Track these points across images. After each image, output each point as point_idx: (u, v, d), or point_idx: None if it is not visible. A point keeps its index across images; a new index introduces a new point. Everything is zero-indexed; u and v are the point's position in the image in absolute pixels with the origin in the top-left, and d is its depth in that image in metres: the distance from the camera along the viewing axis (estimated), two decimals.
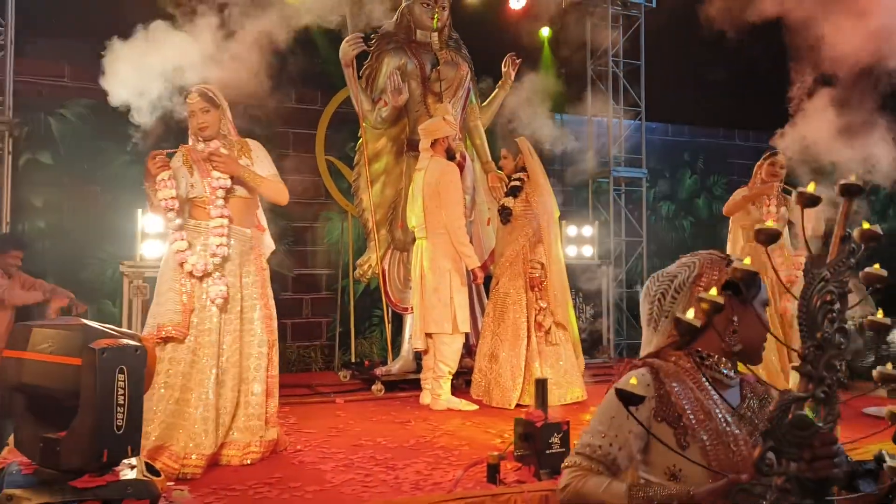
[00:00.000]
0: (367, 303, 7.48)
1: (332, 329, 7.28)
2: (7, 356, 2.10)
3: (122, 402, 2.01)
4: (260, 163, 3.68)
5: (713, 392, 1.58)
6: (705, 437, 1.54)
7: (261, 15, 7.20)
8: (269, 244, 3.92)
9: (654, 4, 8.39)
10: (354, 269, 6.10)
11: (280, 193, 3.71)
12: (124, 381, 2.02)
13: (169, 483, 2.85)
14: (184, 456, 3.21)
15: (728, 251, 5.26)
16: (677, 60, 9.98)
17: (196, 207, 3.58)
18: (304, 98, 7.65)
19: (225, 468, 3.43)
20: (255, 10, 7.10)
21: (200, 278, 3.45)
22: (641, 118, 8.58)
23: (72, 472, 2.02)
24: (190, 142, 3.71)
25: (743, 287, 1.62)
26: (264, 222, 3.93)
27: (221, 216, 3.52)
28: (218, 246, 3.47)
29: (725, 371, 1.65)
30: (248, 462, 3.47)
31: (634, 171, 8.54)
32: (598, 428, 1.60)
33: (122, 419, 2.01)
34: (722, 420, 1.57)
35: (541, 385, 3.52)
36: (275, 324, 3.74)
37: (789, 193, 5.26)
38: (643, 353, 1.68)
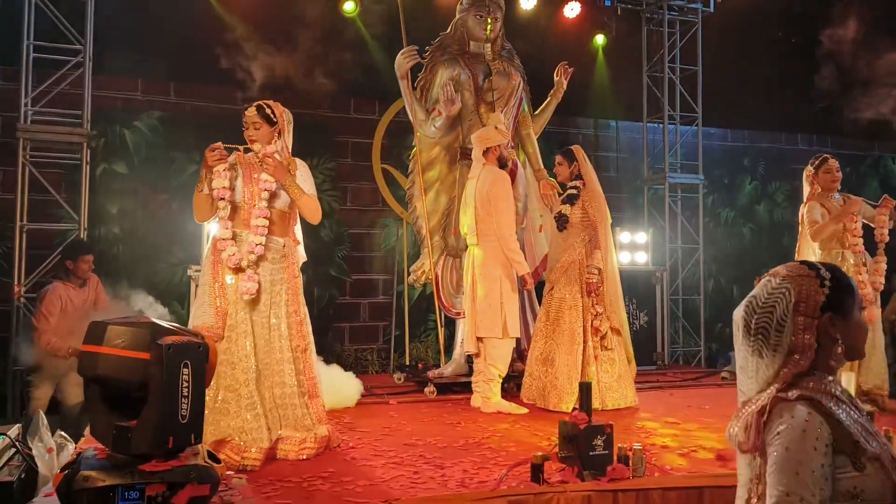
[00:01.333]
0: (421, 307, 7.65)
1: (389, 333, 7.47)
2: (84, 350, 2.32)
3: (186, 393, 2.20)
4: (303, 180, 3.85)
5: (853, 410, 1.58)
6: (879, 453, 1.54)
7: (320, 28, 7.48)
8: (301, 255, 4.08)
9: (711, 9, 8.34)
10: (409, 274, 6.26)
11: (315, 211, 3.87)
12: (188, 374, 2.20)
13: (228, 472, 3.04)
14: (244, 448, 3.41)
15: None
16: (735, 65, 9.86)
17: (234, 212, 3.75)
18: (361, 108, 7.88)
19: (282, 462, 3.61)
20: (314, 25, 7.39)
21: (234, 271, 3.63)
22: (698, 123, 8.52)
23: (141, 457, 2.22)
24: (258, 147, 3.86)
25: (845, 302, 1.65)
26: (300, 237, 4.10)
27: (263, 216, 3.68)
28: (256, 245, 3.64)
29: (840, 389, 1.65)
30: (304, 457, 3.64)
31: (691, 177, 8.48)
32: (796, 490, 1.47)
33: (187, 409, 2.20)
34: (876, 434, 1.59)
35: (585, 388, 3.59)
36: (308, 328, 3.88)
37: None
38: (756, 383, 1.62)
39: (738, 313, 1.64)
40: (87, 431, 4.26)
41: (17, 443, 3.15)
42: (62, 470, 2.26)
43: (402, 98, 6.08)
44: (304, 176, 3.88)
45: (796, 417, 1.50)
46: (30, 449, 3.25)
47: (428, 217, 5.88)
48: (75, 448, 3.48)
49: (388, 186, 7.67)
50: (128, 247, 7.06)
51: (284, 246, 3.83)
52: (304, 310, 3.88)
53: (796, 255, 5.56)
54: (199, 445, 2.36)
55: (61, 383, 5.01)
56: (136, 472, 2.17)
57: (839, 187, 5.36)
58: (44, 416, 3.41)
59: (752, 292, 1.66)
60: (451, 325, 6.37)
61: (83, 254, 5.36)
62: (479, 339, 5.18)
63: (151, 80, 7.40)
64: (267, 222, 3.70)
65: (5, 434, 3.21)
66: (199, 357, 2.25)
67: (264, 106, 3.84)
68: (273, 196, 3.73)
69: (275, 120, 3.82)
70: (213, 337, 3.40)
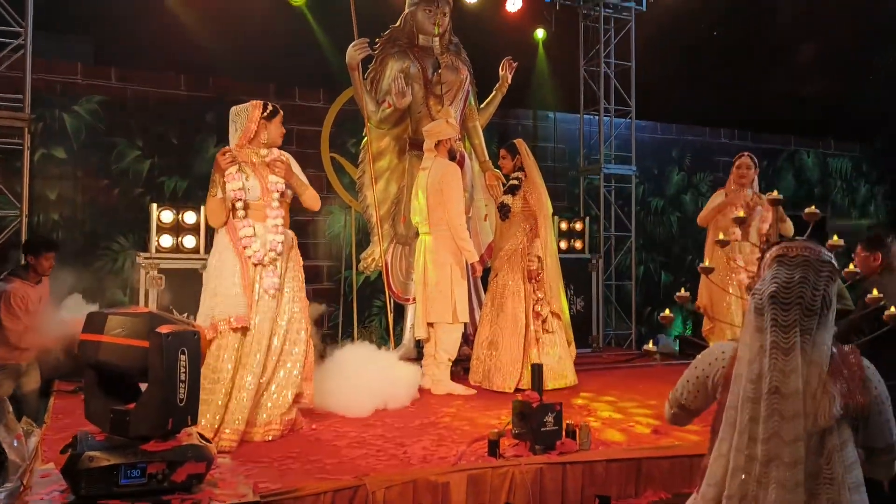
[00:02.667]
0: (365, 293, 7.81)
1: (335, 318, 7.60)
2: (84, 339, 2.42)
3: (183, 378, 2.34)
4: (299, 174, 4.13)
5: None
6: None
7: (265, 16, 7.49)
8: None
9: (643, 8, 8.71)
10: (358, 261, 6.40)
11: (316, 199, 4.17)
12: (185, 360, 2.34)
13: None
14: (218, 430, 3.55)
15: (706, 255, 5.63)
16: (666, 61, 10.32)
17: (250, 209, 3.91)
18: (306, 96, 7.94)
19: (248, 444, 3.75)
20: (259, 13, 7.40)
21: (256, 265, 3.81)
22: (631, 117, 8.92)
23: (139, 438, 2.34)
24: (232, 145, 4.01)
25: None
26: None
27: (279, 216, 3.91)
28: (279, 243, 3.87)
29: None
30: (269, 438, 3.80)
31: (624, 167, 8.88)
32: None
33: (184, 393, 2.34)
34: None
35: (537, 370, 3.85)
36: (308, 313, 4.11)
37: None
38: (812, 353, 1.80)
39: (787, 298, 1.79)
40: (47, 417, 4.30)
41: None
42: (62, 452, 2.36)
43: (351, 88, 6.19)
44: (298, 169, 4.12)
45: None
46: None
47: (378, 206, 6.04)
48: (41, 433, 3.54)
49: (336, 174, 7.77)
50: (67, 233, 6.97)
51: (292, 238, 4.07)
52: (305, 295, 4.12)
53: (706, 247, 5.90)
54: (193, 427, 2.49)
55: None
56: (137, 452, 2.30)
57: (747, 183, 5.72)
58: (9, 403, 3.44)
59: (783, 275, 1.82)
60: (397, 310, 6.55)
61: (47, 251, 5.16)
62: (430, 325, 5.40)
63: (92, 65, 7.28)
64: (282, 220, 3.93)
65: None
66: (194, 344, 2.39)
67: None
68: (282, 195, 3.96)
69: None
70: (244, 324, 3.61)
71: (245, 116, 3.99)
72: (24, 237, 6.02)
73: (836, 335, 1.83)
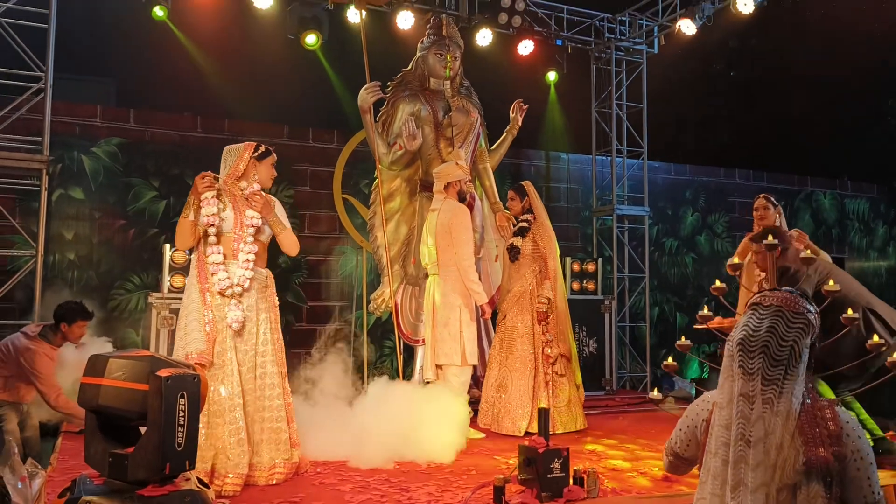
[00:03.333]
0: (376, 334, 7.79)
1: (345, 358, 7.57)
2: (85, 382, 2.42)
3: (182, 422, 2.33)
4: (282, 216, 4.09)
5: None
6: None
7: (281, 59, 7.65)
8: None
9: (655, 51, 8.78)
10: (368, 302, 6.40)
11: (295, 244, 4.10)
12: (185, 404, 2.33)
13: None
14: (224, 474, 3.52)
15: (740, 301, 5.63)
16: (678, 102, 10.38)
17: (223, 237, 3.88)
18: (320, 137, 8.04)
19: (252, 488, 3.71)
20: (275, 56, 7.56)
21: (219, 293, 3.76)
22: (644, 158, 8.93)
23: (137, 483, 2.33)
24: (243, 184, 4.02)
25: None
26: None
27: (251, 252, 3.86)
28: (246, 278, 3.81)
29: None
30: (274, 482, 3.76)
31: (637, 208, 8.86)
32: None
33: (182, 437, 2.33)
34: None
35: (543, 414, 3.80)
36: (284, 356, 4.03)
37: None
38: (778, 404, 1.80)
39: (753, 346, 1.79)
40: (53, 458, 4.29)
41: None
42: (60, 496, 2.35)
43: (363, 129, 6.27)
44: (281, 212, 4.10)
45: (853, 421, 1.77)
46: (1, 478, 3.28)
47: (388, 246, 6.06)
48: (46, 474, 3.52)
49: (348, 215, 7.83)
50: (82, 272, 7.04)
51: (266, 277, 4.01)
52: (281, 337, 4.03)
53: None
54: (192, 471, 2.48)
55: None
56: (134, 497, 2.29)
57: (768, 224, 5.68)
58: (16, 446, 3.44)
59: (753, 322, 1.82)
60: (407, 351, 6.52)
61: (83, 319, 5.10)
62: (439, 367, 5.36)
63: (111, 107, 7.44)
64: (254, 256, 3.88)
65: None
66: (194, 388, 2.39)
67: None
68: (258, 231, 3.92)
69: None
70: (203, 362, 3.52)
71: (235, 155, 4.02)
72: (39, 277, 6.08)
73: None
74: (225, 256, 3.84)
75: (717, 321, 5.34)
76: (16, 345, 4.90)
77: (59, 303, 5.24)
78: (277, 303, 4.07)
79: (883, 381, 2.99)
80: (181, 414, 2.33)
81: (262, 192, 4.00)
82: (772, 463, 1.71)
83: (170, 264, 6.06)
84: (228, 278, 3.78)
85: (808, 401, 1.77)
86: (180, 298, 5.98)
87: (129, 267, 7.18)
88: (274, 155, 4.11)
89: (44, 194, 6.25)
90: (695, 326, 7.37)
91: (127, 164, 7.25)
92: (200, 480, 2.56)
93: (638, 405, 7.03)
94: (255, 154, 4.00)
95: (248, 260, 3.85)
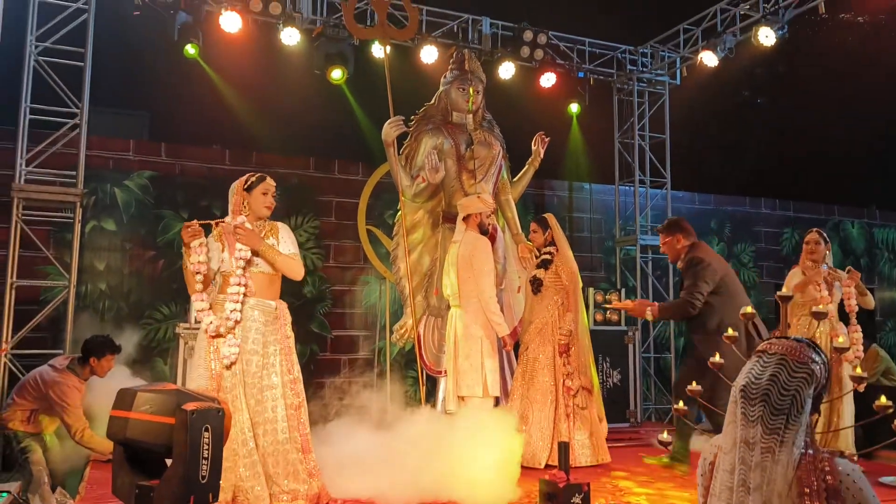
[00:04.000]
0: (400, 364, 7.83)
1: (368, 388, 7.62)
2: (114, 415, 2.50)
3: (206, 455, 2.39)
4: (284, 242, 4.07)
5: None
6: None
7: (307, 93, 7.82)
8: None
9: (678, 81, 8.83)
10: (392, 332, 6.45)
11: (293, 270, 4.05)
12: (209, 437, 2.40)
13: None
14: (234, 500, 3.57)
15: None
16: (701, 131, 10.39)
17: (225, 282, 3.95)
18: (345, 169, 8.18)
19: None
20: (301, 90, 7.73)
21: (214, 337, 3.82)
22: (667, 187, 8.94)
23: None
24: (228, 219, 4.08)
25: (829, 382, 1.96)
26: None
27: (238, 284, 3.86)
28: (231, 311, 3.82)
29: None
30: None
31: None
32: None
33: (207, 470, 2.38)
34: None
35: (563, 448, 3.81)
36: (300, 386, 4.05)
37: None
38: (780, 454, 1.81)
39: (755, 393, 1.81)
40: (81, 488, 4.37)
41: (19, 499, 3.27)
42: None
43: (387, 162, 6.37)
44: (284, 238, 4.08)
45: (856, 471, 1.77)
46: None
47: (411, 277, 6.13)
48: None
49: (371, 245, 7.92)
50: (112, 303, 7.20)
51: (276, 308, 4.02)
52: (298, 368, 4.06)
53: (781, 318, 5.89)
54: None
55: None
56: None
57: (819, 259, 5.65)
58: (46, 476, 3.53)
59: (757, 370, 1.84)
60: (430, 381, 6.55)
61: (112, 353, 5.21)
62: (461, 398, 5.38)
63: (143, 141, 7.65)
64: (242, 289, 3.86)
65: (8, 491, 3.33)
66: (218, 421, 2.45)
67: None
68: (250, 262, 3.91)
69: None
70: None
71: (235, 190, 4.11)
72: (71, 307, 6.24)
73: None
74: (213, 305, 3.88)
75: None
76: (45, 378, 5.00)
77: (87, 337, 5.34)
78: (291, 334, 4.08)
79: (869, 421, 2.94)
80: (205, 447, 2.39)
81: (266, 221, 4.05)
82: None
83: None
84: (215, 320, 3.81)
85: (811, 451, 1.78)
86: None
87: (158, 297, 7.33)
88: (266, 183, 4.07)
89: (77, 227, 6.43)
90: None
91: (158, 196, 7.43)
92: None
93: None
94: (245, 186, 4.05)
95: (235, 293, 3.84)
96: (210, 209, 7.60)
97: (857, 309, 5.58)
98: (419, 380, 6.06)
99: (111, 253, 7.26)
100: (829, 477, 1.74)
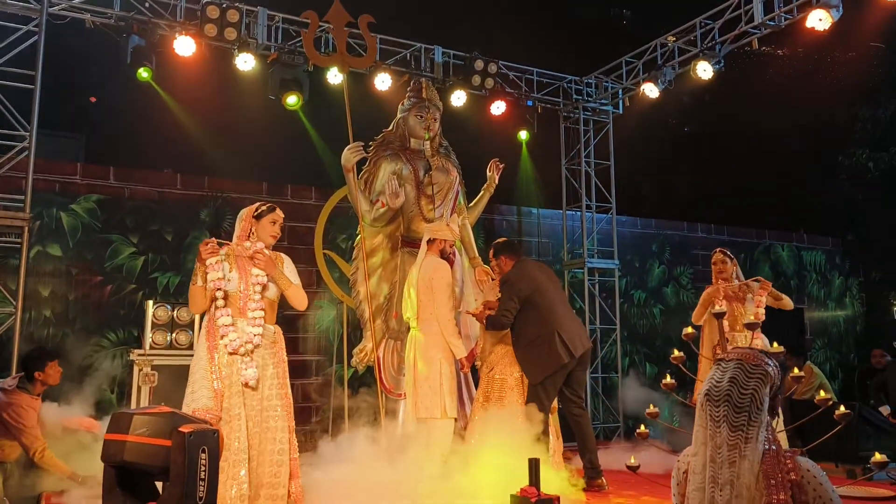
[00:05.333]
0: (354, 387, 7.82)
1: (323, 413, 7.59)
2: (109, 438, 2.48)
3: (203, 476, 2.40)
4: (290, 272, 4.19)
5: None
6: None
7: (260, 118, 7.83)
8: None
9: (620, 111, 9.19)
10: (350, 356, 6.47)
11: (302, 300, 4.18)
12: (206, 459, 2.41)
13: None
14: None
15: (702, 347, 5.93)
16: (642, 159, 10.80)
17: (230, 299, 3.98)
18: (298, 194, 8.18)
19: None
20: (257, 115, 7.74)
21: (231, 354, 3.85)
22: (612, 213, 9.24)
23: None
24: (247, 243, 4.13)
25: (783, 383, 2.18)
26: None
27: (259, 309, 3.96)
28: (255, 335, 3.91)
29: None
30: None
31: (607, 261, 9.13)
32: None
33: (203, 491, 2.39)
34: None
35: (534, 464, 3.91)
36: (292, 411, 4.08)
37: None
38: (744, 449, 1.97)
39: (717, 395, 2.01)
40: None
41: None
42: None
43: (344, 187, 6.43)
44: (289, 268, 4.19)
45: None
46: None
47: (371, 301, 6.17)
48: None
49: (327, 269, 7.93)
50: (57, 329, 7.00)
51: (274, 332, 4.09)
52: (290, 392, 4.09)
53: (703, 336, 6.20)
54: None
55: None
56: None
57: (727, 276, 6.03)
58: None
59: (717, 375, 2.04)
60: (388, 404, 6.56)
61: (51, 359, 5.08)
62: (420, 419, 5.43)
63: (90, 164, 7.50)
64: (263, 313, 3.97)
65: None
66: (214, 443, 2.46)
67: None
68: (264, 288, 4.01)
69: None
70: (212, 419, 3.57)
71: (243, 216, 4.18)
72: (17, 335, 6.04)
73: None
74: (233, 317, 3.93)
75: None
76: None
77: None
78: (286, 358, 4.13)
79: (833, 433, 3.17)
80: (202, 468, 2.40)
81: (267, 250, 4.10)
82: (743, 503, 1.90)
83: (152, 321, 6.08)
84: (238, 338, 3.86)
85: (774, 447, 1.97)
86: (162, 355, 6.09)
87: (105, 324, 7.16)
88: (276, 213, 4.20)
89: (24, 252, 6.24)
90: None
91: (106, 220, 7.29)
92: None
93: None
94: (255, 214, 4.14)
95: (256, 318, 3.94)
96: (161, 234, 7.51)
97: (763, 318, 5.79)
98: (380, 402, 6.09)
99: (56, 279, 7.07)
100: (791, 474, 1.93)
